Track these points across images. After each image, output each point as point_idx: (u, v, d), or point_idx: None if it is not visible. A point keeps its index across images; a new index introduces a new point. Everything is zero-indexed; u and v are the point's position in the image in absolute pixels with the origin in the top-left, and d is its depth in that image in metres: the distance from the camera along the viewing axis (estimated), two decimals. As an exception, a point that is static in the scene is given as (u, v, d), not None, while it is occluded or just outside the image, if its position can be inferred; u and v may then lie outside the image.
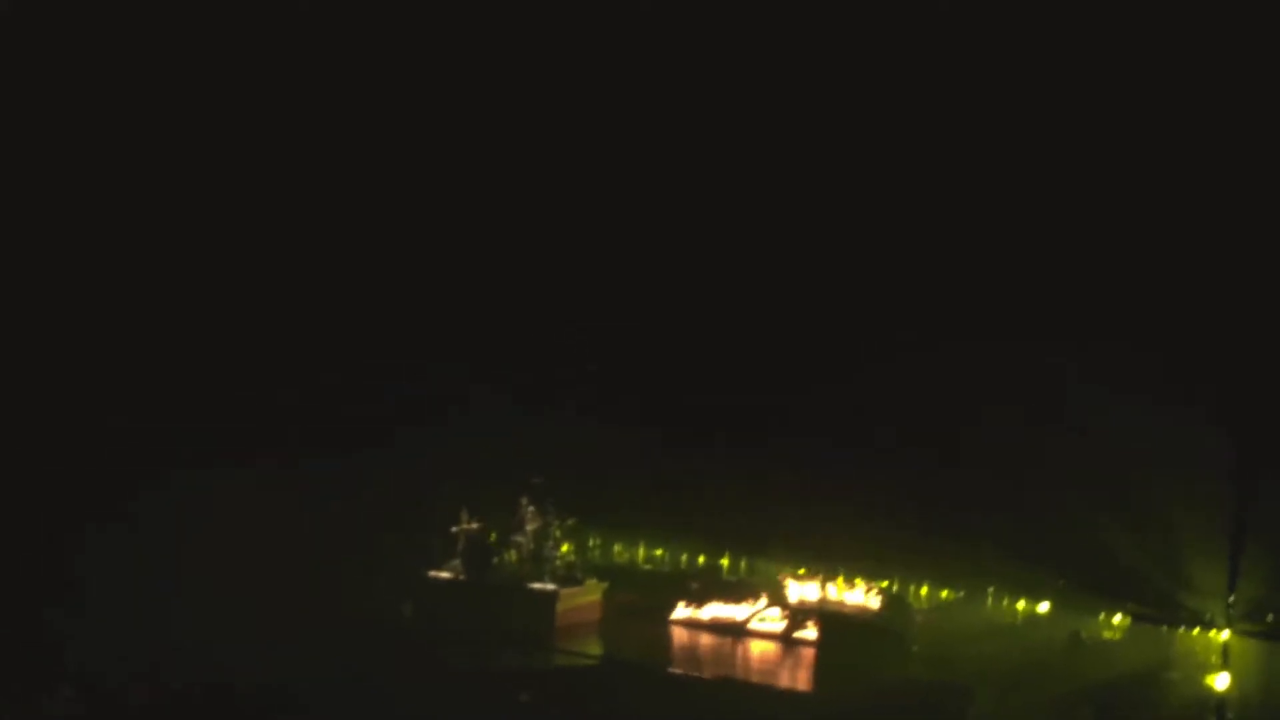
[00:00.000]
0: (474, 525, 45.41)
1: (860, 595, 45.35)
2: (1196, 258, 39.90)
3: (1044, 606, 44.22)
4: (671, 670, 41.71)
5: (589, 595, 45.55)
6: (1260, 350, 39.41)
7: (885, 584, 46.16)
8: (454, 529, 45.07)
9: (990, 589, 44.92)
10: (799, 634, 44.12)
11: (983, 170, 40.41)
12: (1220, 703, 38.35)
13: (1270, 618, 39.19)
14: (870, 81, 40.33)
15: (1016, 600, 44.77)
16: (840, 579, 45.93)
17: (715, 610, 44.95)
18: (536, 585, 44.04)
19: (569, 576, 45.28)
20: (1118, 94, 37.98)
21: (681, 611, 44.80)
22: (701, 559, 47.90)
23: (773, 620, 44.54)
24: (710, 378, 45.60)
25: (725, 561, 47.34)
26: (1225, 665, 38.94)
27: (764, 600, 45.23)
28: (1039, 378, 41.94)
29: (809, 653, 43.83)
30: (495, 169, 43.97)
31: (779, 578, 46.16)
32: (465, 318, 44.88)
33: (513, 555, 45.19)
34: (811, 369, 44.03)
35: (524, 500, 45.43)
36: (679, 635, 45.49)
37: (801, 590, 45.44)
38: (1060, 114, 39.37)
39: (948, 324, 42.86)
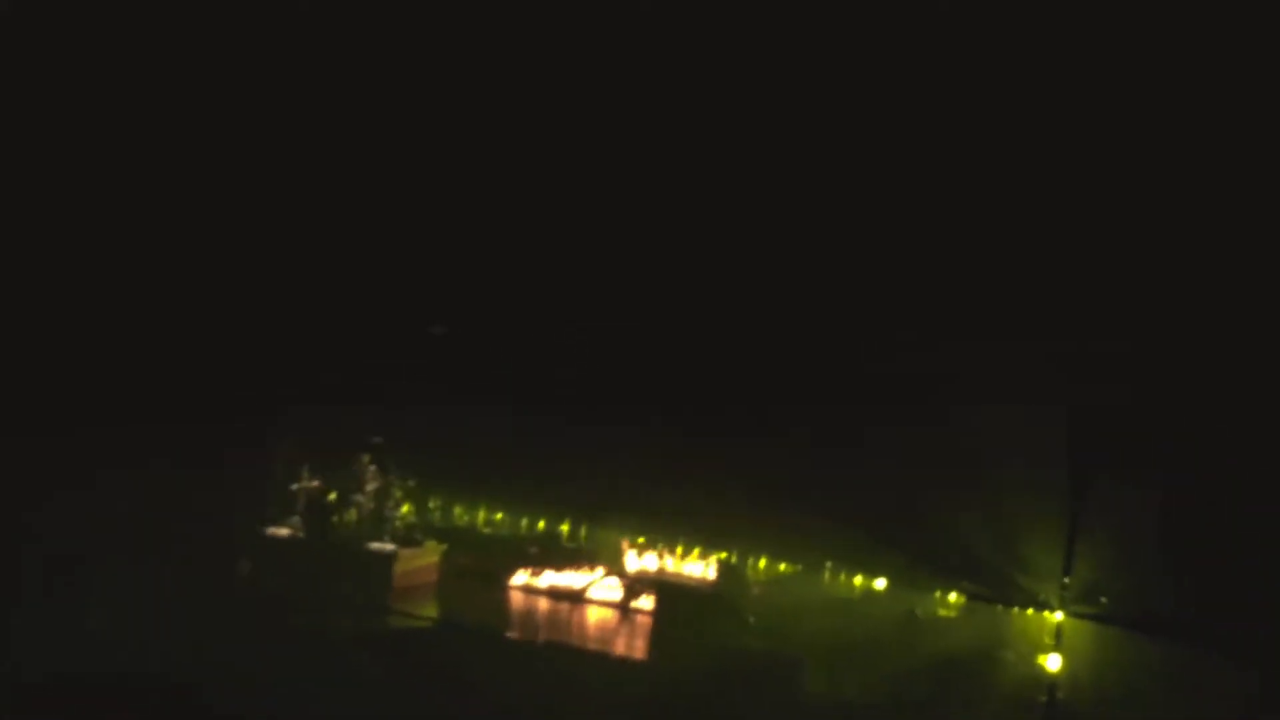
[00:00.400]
0: (314, 483, 45.25)
1: (698, 567, 45.80)
2: (1038, 251, 40.70)
3: (881, 583, 45.00)
4: (508, 635, 41.90)
5: (427, 557, 45.71)
6: (1099, 339, 40.27)
7: (723, 555, 46.65)
8: (294, 486, 44.87)
9: (828, 564, 45.55)
10: (635, 604, 44.56)
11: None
12: (1052, 683, 39.55)
13: (1104, 601, 40.26)
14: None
15: (854, 576, 45.45)
16: (679, 550, 46.33)
17: (553, 578, 45.23)
18: (375, 545, 44.10)
19: (408, 537, 45.38)
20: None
21: (520, 578, 45.02)
22: (541, 525, 48.17)
23: (610, 589, 44.90)
24: (560, 345, 45.69)
25: (565, 528, 47.65)
26: (1058, 646, 40.05)
27: (602, 569, 45.56)
28: (890, 360, 42.55)
29: (646, 622, 44.31)
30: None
31: (618, 547, 46.49)
32: (317, 276, 44.53)
33: (352, 514, 45.14)
34: (661, 342, 44.27)
35: (365, 459, 45.35)
36: (517, 600, 45.74)
37: (640, 561, 45.86)
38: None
39: (805, 303, 43.33)
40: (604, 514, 48.41)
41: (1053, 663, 39.69)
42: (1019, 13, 38.21)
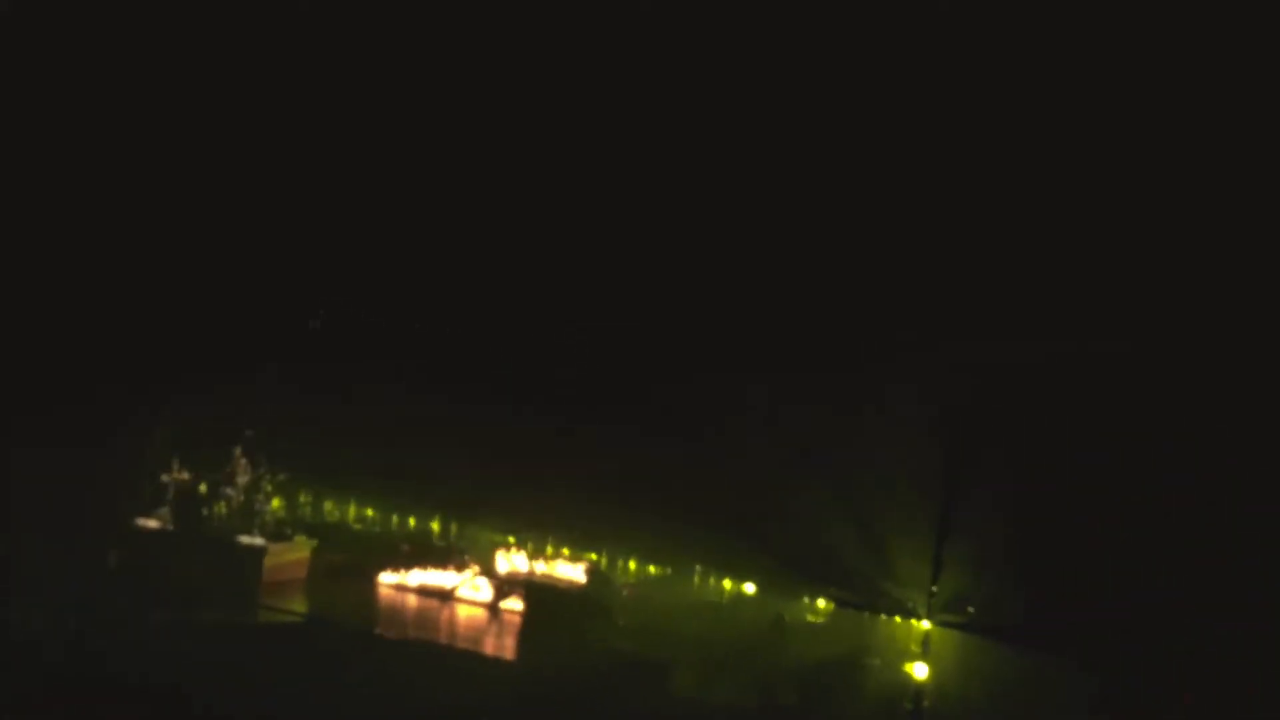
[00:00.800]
0: (184, 475, 45.26)
1: (568, 568, 46.32)
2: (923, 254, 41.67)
3: (750, 587, 45.73)
4: (376, 632, 42.22)
5: (297, 552, 45.91)
6: (973, 348, 41.26)
7: (593, 557, 47.20)
8: (164, 478, 44.86)
9: (698, 567, 46.20)
10: (505, 604, 44.96)
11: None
12: (918, 690, 40.48)
13: (971, 610, 41.23)
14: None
15: (723, 579, 46.15)
16: (549, 550, 46.86)
17: (423, 576, 45.56)
18: (245, 539, 44.21)
19: (278, 532, 45.47)
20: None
21: (389, 576, 45.30)
22: (412, 522, 48.48)
23: (480, 589, 45.29)
24: (436, 341, 46.06)
25: (436, 526, 47.99)
26: (925, 654, 40.95)
27: (472, 570, 45.92)
28: (763, 365, 43.28)
29: (515, 622, 44.70)
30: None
31: (489, 547, 46.86)
32: (195, 266, 44.64)
33: (222, 507, 45.19)
34: (535, 340, 44.77)
35: (236, 452, 45.39)
36: (386, 598, 46.01)
37: (510, 561, 46.28)
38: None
39: (683, 305, 43.96)
40: (474, 513, 48.78)
41: (919, 670, 40.69)
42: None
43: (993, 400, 40.77)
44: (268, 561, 45.08)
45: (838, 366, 43.27)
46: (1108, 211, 39.98)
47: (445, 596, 45.64)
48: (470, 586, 45.98)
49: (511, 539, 47.53)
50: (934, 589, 41.49)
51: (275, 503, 46.64)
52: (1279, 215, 38.34)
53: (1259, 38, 37.11)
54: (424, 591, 46.06)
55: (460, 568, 46.67)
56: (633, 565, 47.61)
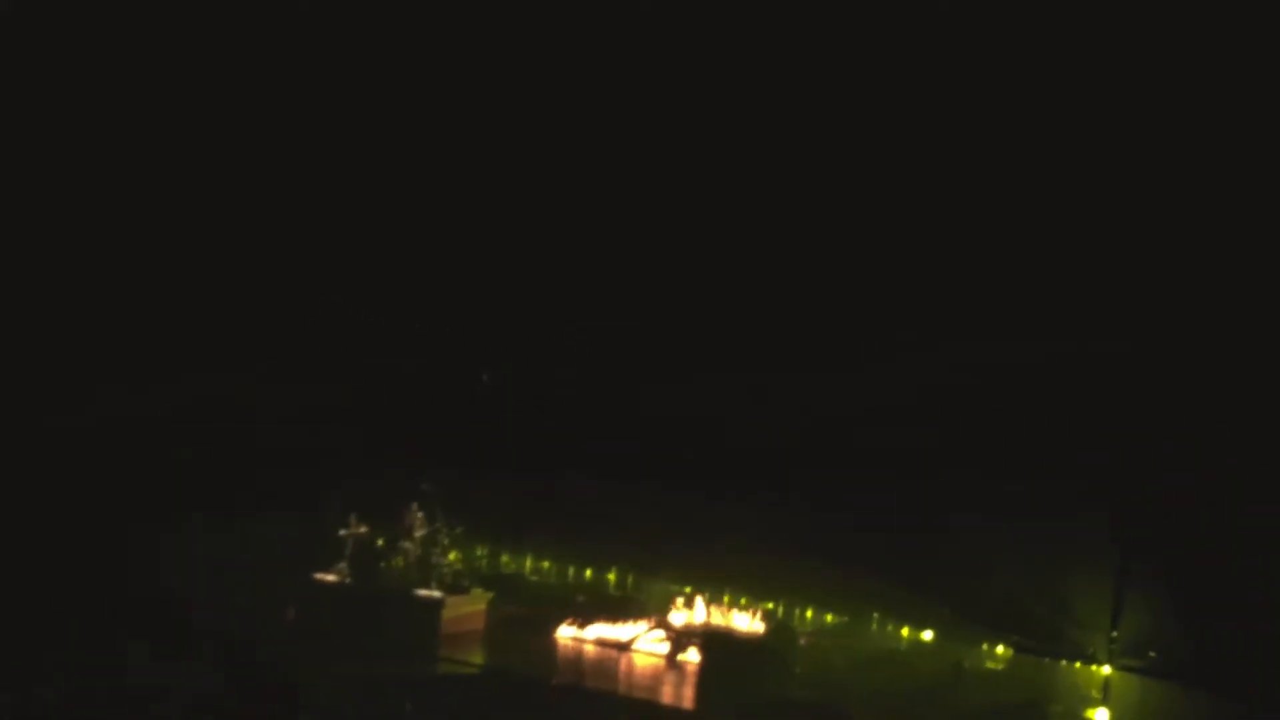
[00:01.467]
0: (362, 529, 46.54)
1: (745, 619, 46.71)
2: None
3: (928, 634, 45.78)
4: (555, 682, 42.94)
5: (474, 604, 46.89)
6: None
7: (769, 606, 47.57)
8: (342, 532, 46.12)
9: (875, 615, 46.38)
10: (682, 656, 45.39)
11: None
12: (1100, 736, 40.25)
13: (1152, 654, 41.02)
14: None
15: (901, 627, 46.25)
16: (725, 600, 47.27)
17: (600, 630, 46.19)
18: (422, 592, 45.32)
19: (455, 585, 46.48)
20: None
21: (566, 630, 45.99)
22: (589, 574, 49.14)
23: (657, 641, 45.78)
24: (606, 397, 46.87)
25: (612, 577, 48.68)
26: (1105, 700, 40.87)
27: (647, 622, 46.43)
28: (932, 403, 43.51)
29: (692, 671, 45.12)
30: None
31: (665, 599, 47.34)
32: (352, 321, 45.92)
33: (399, 561, 46.48)
34: (708, 396, 45.39)
35: (413, 506, 46.48)
36: (563, 649, 46.64)
37: (686, 613, 46.74)
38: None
39: (827, 353, 44.35)
40: (651, 564, 49.38)
41: (1100, 717, 40.60)
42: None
43: (1167, 435, 40.67)
44: (445, 614, 46.13)
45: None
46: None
47: (622, 648, 46.23)
48: (647, 639, 46.51)
49: (688, 589, 48.00)
50: (1114, 633, 41.38)
51: (452, 555, 47.67)
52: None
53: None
54: (601, 644, 46.65)
55: (637, 619, 47.23)
56: (809, 614, 47.85)
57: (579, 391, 47.88)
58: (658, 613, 48.35)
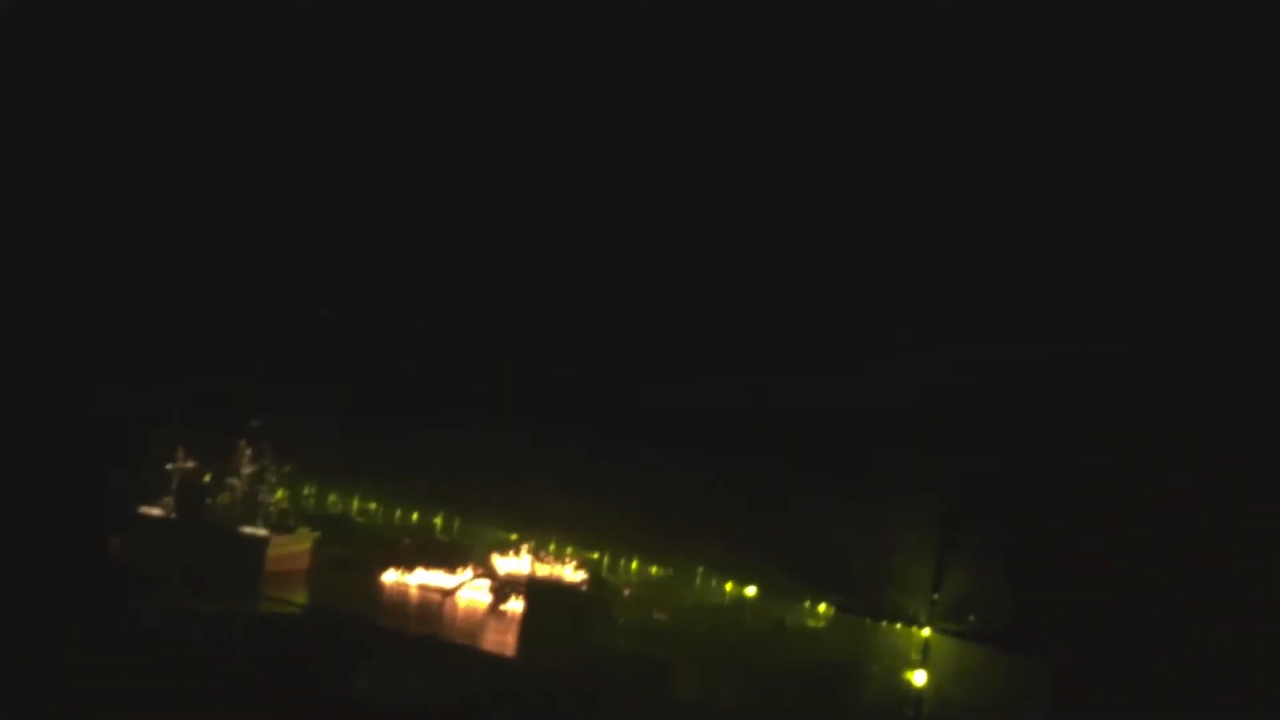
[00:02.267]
0: (189, 464, 46.41)
1: (569, 569, 47.30)
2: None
3: (751, 590, 46.67)
4: (377, 624, 43.29)
5: (300, 544, 47.23)
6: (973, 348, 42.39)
7: (594, 557, 48.17)
8: (169, 466, 46.03)
9: (700, 569, 47.15)
10: (505, 606, 45.89)
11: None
12: (917, 697, 41.39)
13: (971, 619, 42.18)
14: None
15: (725, 582, 47.08)
16: (550, 549, 47.81)
17: (424, 576, 46.58)
18: (248, 530, 45.39)
19: (281, 523, 46.60)
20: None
21: (391, 574, 46.34)
22: (415, 517, 49.45)
23: (481, 590, 46.25)
24: (444, 339, 47.20)
25: (439, 522, 49.01)
26: (924, 662, 41.86)
27: (472, 570, 46.87)
28: (772, 365, 44.31)
29: (516, 619, 45.64)
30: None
31: (490, 546, 47.76)
32: (208, 254, 45.89)
33: (226, 497, 46.38)
34: (541, 338, 45.85)
35: (242, 442, 46.49)
36: (387, 592, 46.96)
37: (510, 563, 47.25)
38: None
39: (688, 306, 45.03)
40: (478, 510, 49.76)
41: (919, 678, 41.78)
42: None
43: (994, 404, 41.85)
44: (270, 552, 46.26)
45: (838, 366, 44.43)
46: (1107, 212, 41.07)
47: (446, 594, 46.69)
48: (471, 588, 47.02)
49: (514, 537, 48.54)
50: (935, 596, 42.55)
51: (279, 494, 47.81)
52: (1278, 215, 39.47)
53: (1259, 39, 38.31)
54: (425, 589, 47.08)
55: (462, 566, 47.68)
56: (634, 566, 48.60)
57: (418, 334, 48.23)
58: (483, 559, 48.81)
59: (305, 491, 51.47)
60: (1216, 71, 38.34)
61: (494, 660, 43.54)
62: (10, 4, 44.55)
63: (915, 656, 43.45)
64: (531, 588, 47.07)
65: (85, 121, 46.74)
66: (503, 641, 45.22)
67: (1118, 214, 40.81)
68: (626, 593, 48.61)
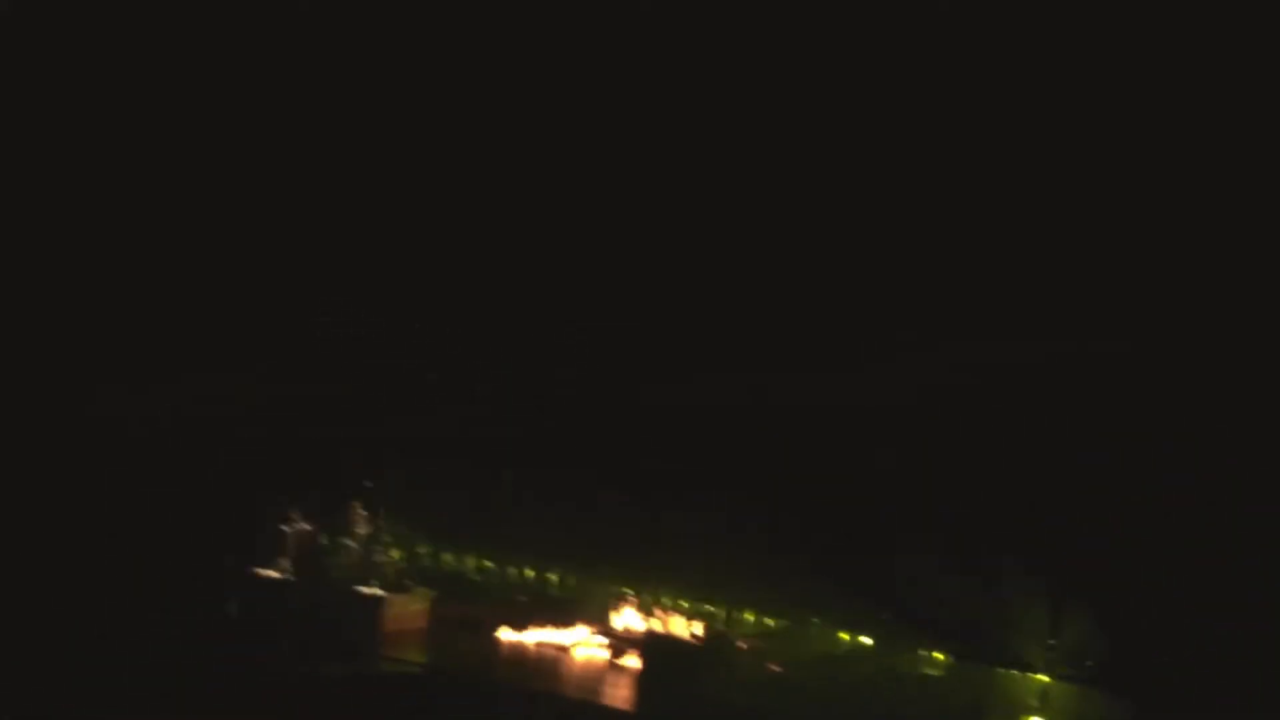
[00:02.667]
0: (303, 525, 47.09)
1: (684, 623, 47.54)
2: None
3: (867, 640, 46.73)
4: (496, 681, 43.77)
5: (417, 603, 47.65)
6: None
7: (709, 610, 48.42)
8: (284, 528, 46.73)
9: (815, 620, 47.30)
10: (622, 661, 46.25)
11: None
12: (1036, 745, 41.15)
13: (1090, 663, 42.05)
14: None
15: (840, 632, 47.16)
16: (666, 603, 48.12)
17: (541, 634, 46.91)
18: (365, 590, 45.91)
19: (397, 583, 47.11)
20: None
21: (508, 633, 46.75)
22: (530, 574, 49.89)
23: (597, 647, 46.60)
24: (552, 393, 47.85)
25: (554, 577, 49.42)
26: (1043, 708, 41.79)
27: (588, 628, 47.21)
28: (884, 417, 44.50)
29: (633, 674, 45.97)
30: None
31: (606, 601, 48.13)
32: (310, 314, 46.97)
33: (341, 558, 46.92)
34: (654, 391, 46.39)
35: (356, 503, 47.16)
36: (504, 650, 47.37)
37: (626, 618, 47.52)
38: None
39: (803, 357, 45.44)
40: (592, 566, 50.18)
41: (1037, 725, 41.65)
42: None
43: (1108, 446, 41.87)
44: (387, 612, 46.78)
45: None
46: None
47: (563, 651, 47.12)
48: (588, 642, 47.41)
49: (629, 591, 48.91)
50: (1052, 641, 42.53)
51: (395, 553, 48.43)
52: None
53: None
54: (542, 646, 47.51)
55: (578, 622, 48.11)
56: (749, 618, 48.87)
57: (526, 390, 48.93)
58: (599, 615, 49.14)
59: (421, 550, 51.88)
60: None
61: (613, 715, 43.89)
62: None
63: (1033, 703, 43.28)
64: (647, 642, 47.30)
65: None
66: (621, 696, 45.50)
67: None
68: (743, 645, 48.71)
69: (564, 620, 49.32)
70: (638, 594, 49.69)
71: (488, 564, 53.17)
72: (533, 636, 50.24)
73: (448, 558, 53.64)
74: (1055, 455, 44.63)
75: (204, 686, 40.62)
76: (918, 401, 46.49)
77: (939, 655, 48.73)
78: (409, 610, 50.92)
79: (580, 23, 45.81)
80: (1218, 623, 41.98)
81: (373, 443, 49.65)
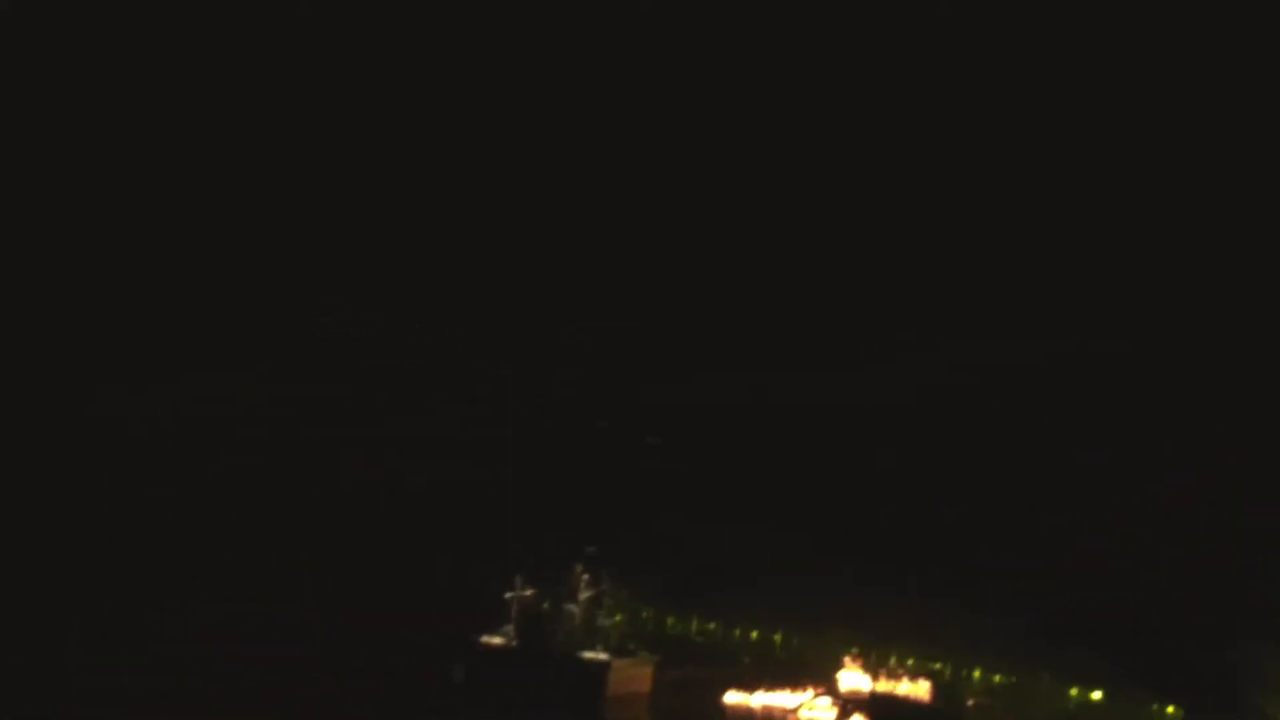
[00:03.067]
0: (528, 592, 47.41)
1: (912, 683, 46.87)
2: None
3: (1098, 694, 45.88)
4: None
5: (640, 667, 47.75)
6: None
7: (937, 667, 47.77)
8: (508, 595, 47.11)
9: (1044, 675, 46.57)
10: (851, 721, 45.71)
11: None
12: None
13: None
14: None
15: (1070, 688, 46.38)
16: (892, 661, 47.49)
17: (766, 697, 46.63)
18: (588, 655, 46.09)
19: (621, 647, 47.18)
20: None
21: (733, 696, 46.50)
22: (754, 635, 49.72)
23: (824, 710, 46.10)
24: (769, 455, 47.70)
25: (778, 638, 49.15)
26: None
27: (814, 690, 46.70)
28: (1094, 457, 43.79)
29: (862, 738, 45.51)
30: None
31: (832, 661, 47.55)
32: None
33: (565, 623, 47.06)
34: (868, 455, 46.09)
35: (578, 568, 47.39)
36: (730, 714, 47.14)
37: (852, 679, 47.00)
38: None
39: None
40: (817, 626, 49.80)
41: (1274, 781, 40.69)
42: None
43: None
44: (611, 677, 46.87)
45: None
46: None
47: (790, 714, 46.70)
48: (814, 705, 46.94)
49: (855, 651, 48.37)
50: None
51: (617, 617, 48.44)
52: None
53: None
54: (769, 709, 47.13)
55: (804, 684, 47.65)
56: (977, 674, 48.15)
57: (744, 458, 48.79)
58: (825, 675, 48.74)
59: (644, 614, 52.11)
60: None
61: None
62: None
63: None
64: (875, 703, 46.93)
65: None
66: (848, 762, 45.24)
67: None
68: (971, 703, 48.22)
69: (790, 682, 49.13)
70: (864, 654, 49.43)
71: (711, 626, 53.25)
72: (759, 700, 50.11)
73: (671, 620, 53.76)
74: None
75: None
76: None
77: (1171, 709, 47.83)
78: (633, 674, 51.20)
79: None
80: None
81: (594, 508, 49.83)
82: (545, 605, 49.31)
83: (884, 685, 48.83)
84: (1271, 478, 41.13)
